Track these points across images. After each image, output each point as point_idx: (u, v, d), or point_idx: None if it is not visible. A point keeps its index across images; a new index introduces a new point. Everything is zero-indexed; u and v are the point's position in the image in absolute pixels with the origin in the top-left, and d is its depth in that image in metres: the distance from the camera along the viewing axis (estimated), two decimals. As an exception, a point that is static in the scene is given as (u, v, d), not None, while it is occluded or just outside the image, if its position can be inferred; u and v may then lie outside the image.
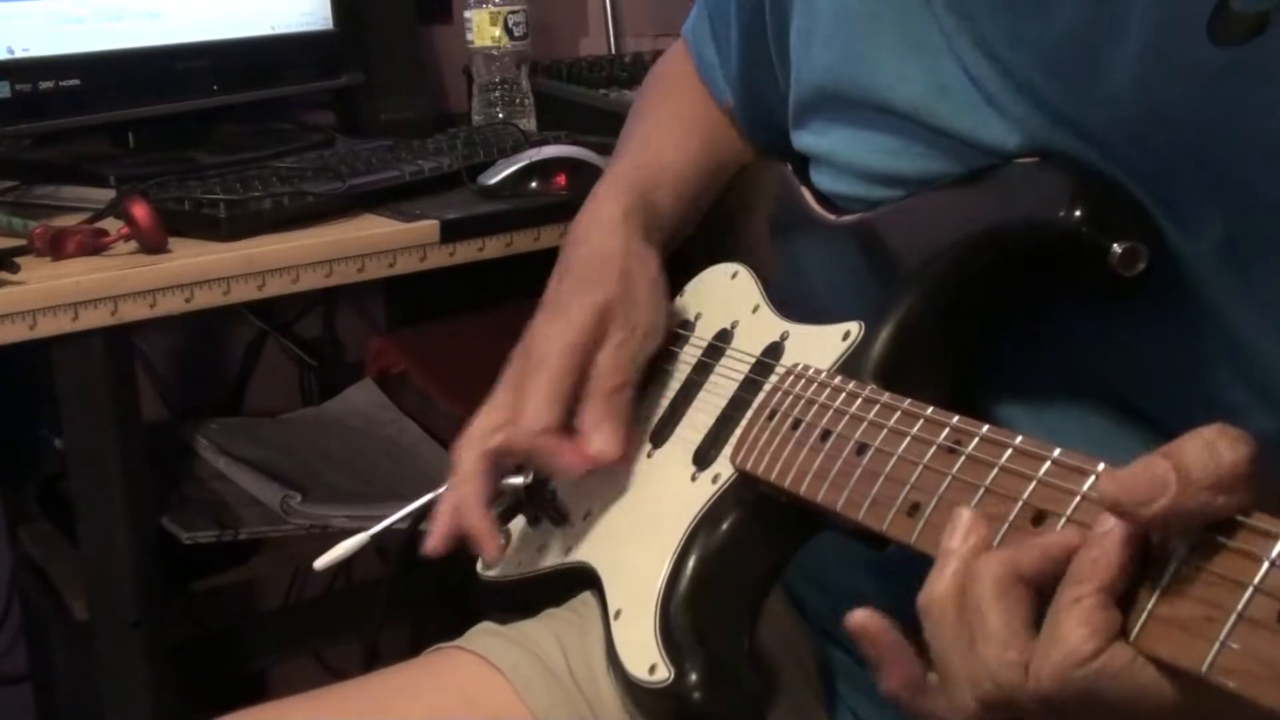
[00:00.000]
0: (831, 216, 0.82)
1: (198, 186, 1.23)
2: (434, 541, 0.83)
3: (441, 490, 0.92)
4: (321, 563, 0.89)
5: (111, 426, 1.16)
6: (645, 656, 0.71)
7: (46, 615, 1.58)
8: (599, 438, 0.80)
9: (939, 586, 0.54)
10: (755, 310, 0.83)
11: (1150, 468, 0.47)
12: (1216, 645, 0.44)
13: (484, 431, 0.83)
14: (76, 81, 1.32)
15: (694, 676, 0.69)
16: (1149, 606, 0.47)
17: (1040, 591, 0.51)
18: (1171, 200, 0.64)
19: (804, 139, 0.84)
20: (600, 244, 0.86)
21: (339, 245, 1.20)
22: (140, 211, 1.11)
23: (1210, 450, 0.46)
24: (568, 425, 0.81)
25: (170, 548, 1.37)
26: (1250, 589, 0.44)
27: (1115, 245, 0.63)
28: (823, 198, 0.83)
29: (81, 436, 1.19)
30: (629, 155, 0.96)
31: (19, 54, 1.29)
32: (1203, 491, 0.45)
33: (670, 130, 0.97)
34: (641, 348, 0.83)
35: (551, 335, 0.82)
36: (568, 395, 0.81)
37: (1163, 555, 0.47)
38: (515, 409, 0.81)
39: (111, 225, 1.15)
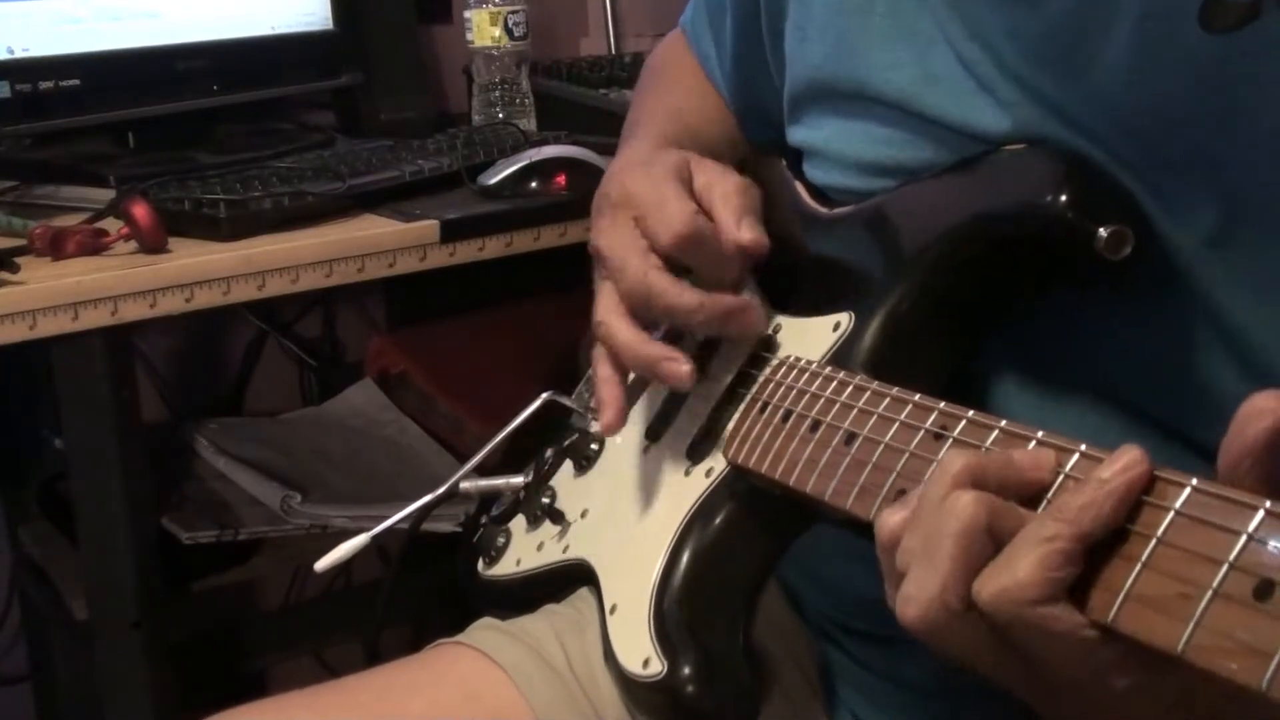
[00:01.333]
0: (823, 210, 0.82)
1: (198, 186, 1.23)
2: (610, 417, 0.77)
3: (442, 491, 0.92)
4: (322, 564, 0.89)
5: (111, 426, 1.16)
6: (639, 650, 0.72)
7: (46, 615, 1.58)
8: (747, 230, 0.75)
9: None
10: None
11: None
12: (1191, 625, 0.44)
13: (621, 276, 0.76)
14: (76, 81, 1.32)
15: (687, 670, 0.69)
16: (1127, 586, 0.47)
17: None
18: (1163, 188, 0.64)
19: (798, 133, 0.85)
20: (655, 156, 0.82)
21: (339, 245, 1.20)
22: (140, 211, 1.11)
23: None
24: None
25: (170, 548, 1.37)
26: (1225, 565, 0.43)
27: (1101, 229, 0.63)
28: (816, 191, 0.84)
29: (81, 436, 1.19)
30: (651, 117, 0.95)
31: (19, 54, 1.29)
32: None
33: (687, 101, 0.97)
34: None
35: (646, 174, 0.77)
36: (694, 201, 0.76)
37: (1144, 531, 0.47)
38: (652, 224, 0.75)
39: (111, 225, 1.16)
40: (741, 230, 0.74)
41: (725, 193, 0.76)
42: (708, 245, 0.74)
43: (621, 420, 0.77)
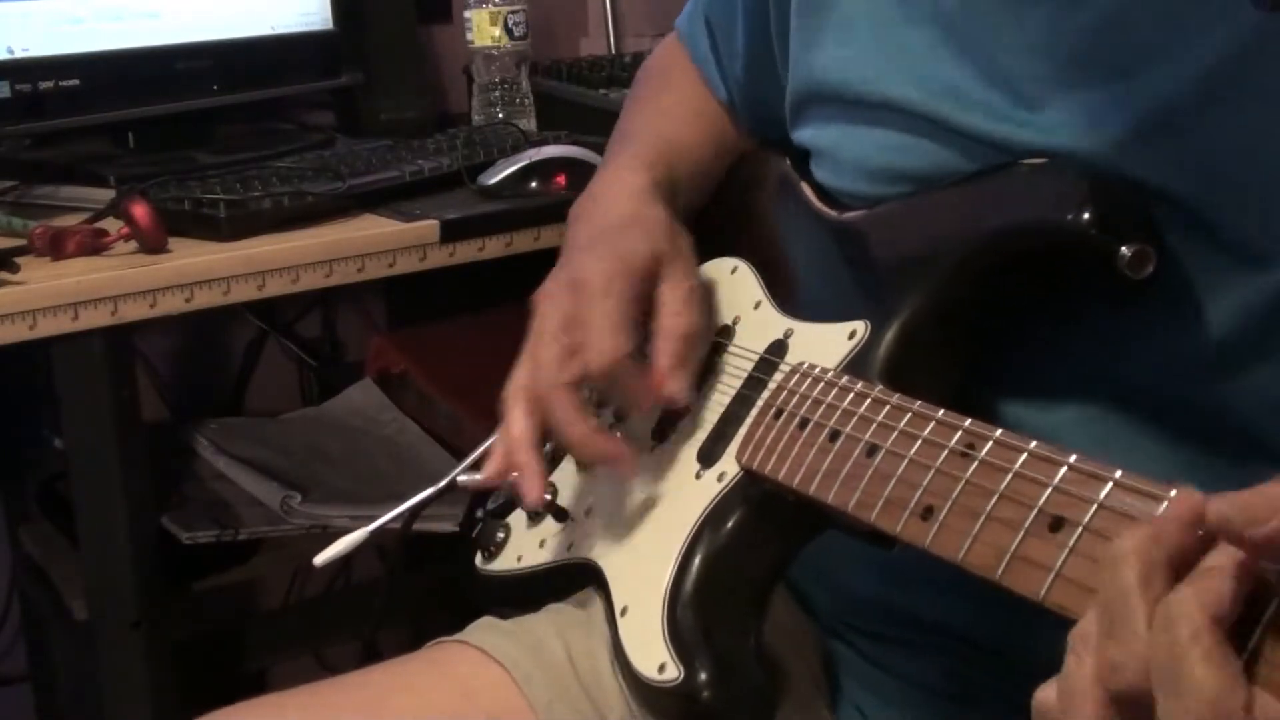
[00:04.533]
0: (833, 212, 0.81)
1: (198, 186, 1.23)
2: (480, 478, 0.81)
3: (441, 485, 0.92)
4: (321, 559, 0.89)
5: (111, 426, 1.16)
6: (654, 655, 0.72)
7: (46, 615, 1.58)
8: (675, 382, 0.77)
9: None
10: (757, 306, 0.83)
11: (1263, 489, 0.43)
12: None
13: (545, 372, 0.78)
14: (76, 81, 1.32)
15: (703, 675, 0.69)
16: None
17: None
18: (1190, 198, 0.64)
19: (804, 134, 0.84)
20: (636, 208, 0.84)
21: (339, 245, 1.20)
22: (140, 211, 1.11)
23: None
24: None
25: (170, 548, 1.37)
26: None
27: (1124, 248, 0.63)
28: (823, 192, 0.83)
29: (81, 436, 1.19)
30: (641, 134, 0.95)
31: (19, 54, 1.29)
32: None
33: (678, 116, 0.97)
34: (706, 305, 0.81)
35: (608, 265, 0.79)
36: (634, 324, 0.77)
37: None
38: (583, 339, 0.77)
39: (111, 225, 1.15)
40: (669, 382, 0.77)
41: (671, 331, 0.78)
42: (622, 387, 0.77)
43: (543, 490, 0.79)
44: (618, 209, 0.85)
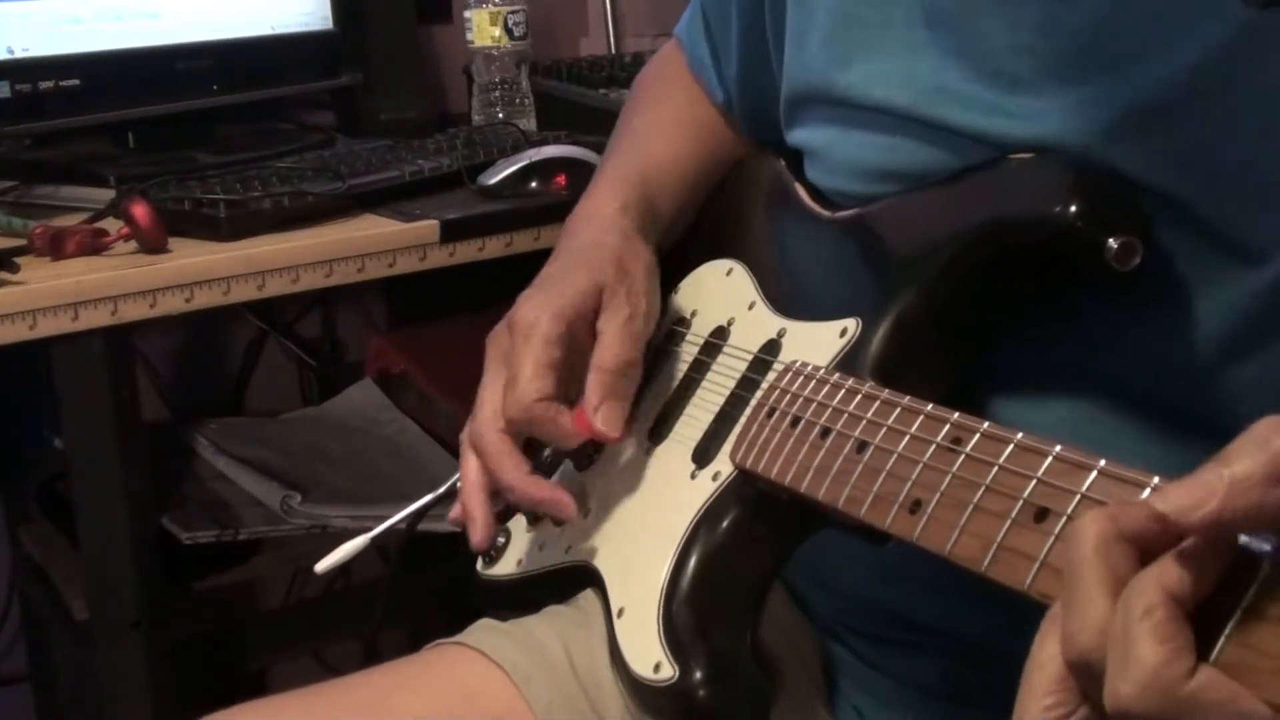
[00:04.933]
0: (826, 212, 0.82)
1: (198, 186, 1.23)
2: (453, 516, 0.83)
3: (441, 491, 0.92)
4: (322, 566, 0.89)
5: (111, 426, 1.16)
6: (650, 655, 0.72)
7: (46, 615, 1.58)
8: (602, 416, 0.78)
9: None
10: (751, 307, 0.83)
11: (1197, 475, 0.44)
12: None
13: (481, 416, 0.80)
14: (76, 81, 1.32)
15: (699, 674, 0.70)
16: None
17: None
18: (1181, 194, 0.65)
19: (797, 135, 0.85)
20: (596, 235, 0.85)
21: (339, 245, 1.20)
22: (140, 211, 1.11)
23: (1260, 444, 0.43)
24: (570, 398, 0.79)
25: (170, 548, 1.37)
26: None
27: (1111, 240, 0.63)
28: (817, 193, 0.84)
29: (81, 436, 1.19)
30: (624, 153, 0.96)
31: (19, 54, 1.29)
32: (1256, 487, 0.42)
33: (665, 130, 0.97)
34: (645, 329, 0.82)
35: (539, 305, 0.80)
36: (560, 364, 0.79)
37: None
38: (509, 380, 0.79)
39: (111, 225, 1.16)
40: (598, 417, 0.78)
41: (599, 365, 0.79)
42: (545, 427, 0.78)
43: (489, 539, 0.80)
44: (581, 236, 0.86)
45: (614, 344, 0.80)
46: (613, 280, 0.81)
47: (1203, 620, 0.44)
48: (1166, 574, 0.44)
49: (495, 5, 1.58)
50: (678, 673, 0.70)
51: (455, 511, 0.83)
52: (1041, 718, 0.47)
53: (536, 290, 0.82)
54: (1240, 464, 0.43)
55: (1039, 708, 0.47)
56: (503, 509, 0.91)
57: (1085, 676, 0.46)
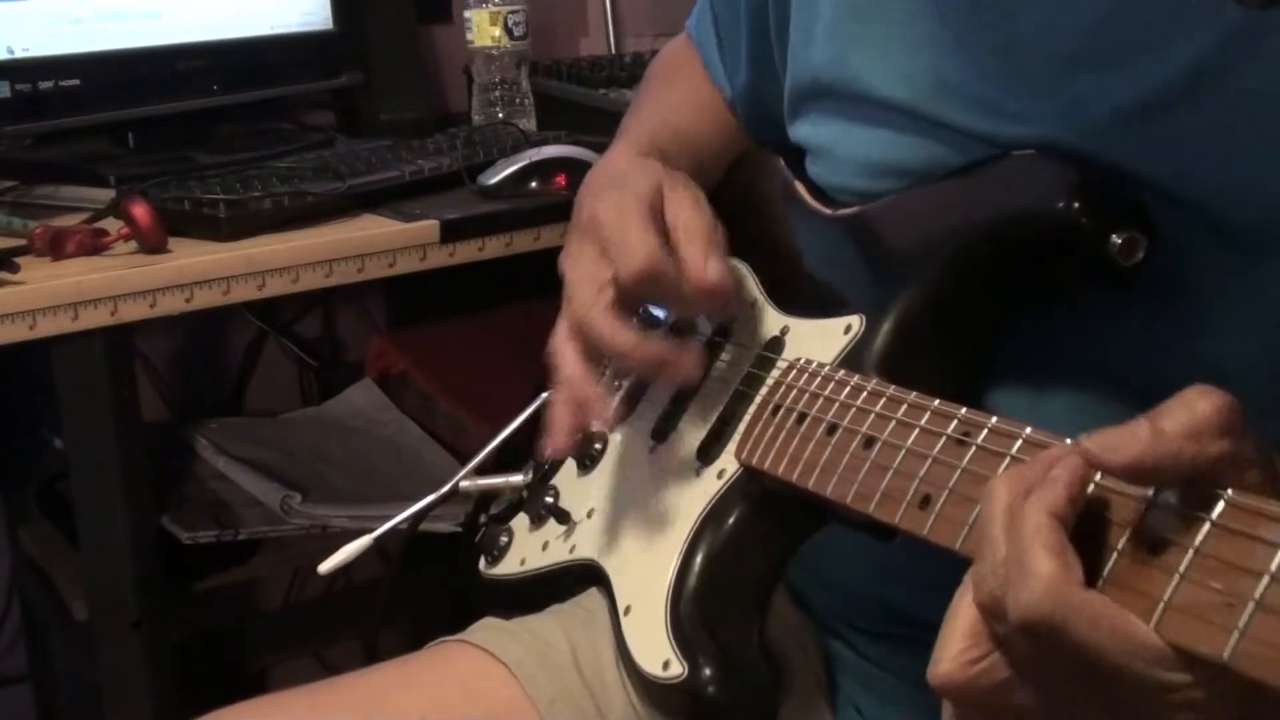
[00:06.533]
0: (827, 210, 0.82)
1: (197, 186, 1.23)
2: (558, 441, 0.77)
3: (443, 491, 0.92)
4: (326, 566, 0.89)
5: (111, 426, 1.16)
6: (658, 652, 0.72)
7: (46, 615, 1.58)
8: (712, 269, 0.74)
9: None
10: (754, 305, 0.83)
11: (1127, 424, 0.48)
12: (1236, 633, 0.44)
13: (581, 298, 0.76)
14: (76, 81, 1.32)
15: (707, 671, 0.70)
16: (1167, 595, 0.47)
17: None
18: (1179, 190, 0.65)
19: (801, 130, 0.85)
20: (633, 161, 0.84)
21: (339, 245, 1.20)
22: (140, 211, 1.11)
23: (1185, 403, 0.48)
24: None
25: (170, 548, 1.37)
26: (1267, 576, 0.44)
27: (1114, 235, 0.64)
28: (817, 190, 0.84)
29: (81, 436, 1.18)
30: (645, 119, 0.96)
31: (19, 54, 1.29)
32: (1177, 439, 0.47)
33: (686, 101, 0.97)
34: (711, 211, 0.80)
35: (616, 202, 0.77)
36: (660, 233, 0.76)
37: (1181, 542, 0.47)
38: (615, 245, 0.75)
39: (111, 225, 1.15)
40: (708, 270, 0.74)
41: (693, 229, 0.76)
42: (667, 283, 0.74)
43: (568, 445, 0.77)
44: (613, 168, 0.85)
45: (696, 215, 0.77)
46: (669, 179, 0.80)
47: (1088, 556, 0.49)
48: (1047, 497, 0.49)
49: (495, 5, 1.58)
50: (687, 670, 0.70)
51: (558, 420, 0.77)
52: (956, 662, 0.52)
53: (598, 199, 0.79)
54: (1166, 420, 0.48)
55: (952, 653, 0.52)
56: (507, 506, 0.91)
57: (995, 619, 0.50)
